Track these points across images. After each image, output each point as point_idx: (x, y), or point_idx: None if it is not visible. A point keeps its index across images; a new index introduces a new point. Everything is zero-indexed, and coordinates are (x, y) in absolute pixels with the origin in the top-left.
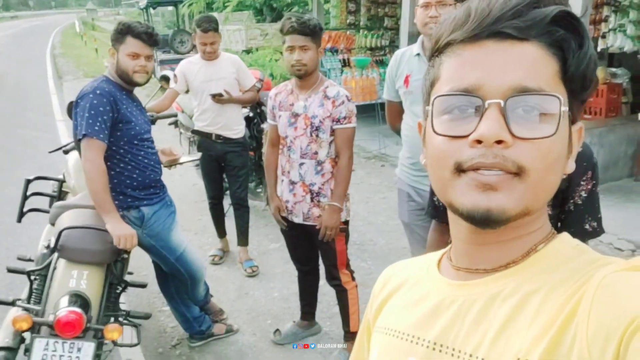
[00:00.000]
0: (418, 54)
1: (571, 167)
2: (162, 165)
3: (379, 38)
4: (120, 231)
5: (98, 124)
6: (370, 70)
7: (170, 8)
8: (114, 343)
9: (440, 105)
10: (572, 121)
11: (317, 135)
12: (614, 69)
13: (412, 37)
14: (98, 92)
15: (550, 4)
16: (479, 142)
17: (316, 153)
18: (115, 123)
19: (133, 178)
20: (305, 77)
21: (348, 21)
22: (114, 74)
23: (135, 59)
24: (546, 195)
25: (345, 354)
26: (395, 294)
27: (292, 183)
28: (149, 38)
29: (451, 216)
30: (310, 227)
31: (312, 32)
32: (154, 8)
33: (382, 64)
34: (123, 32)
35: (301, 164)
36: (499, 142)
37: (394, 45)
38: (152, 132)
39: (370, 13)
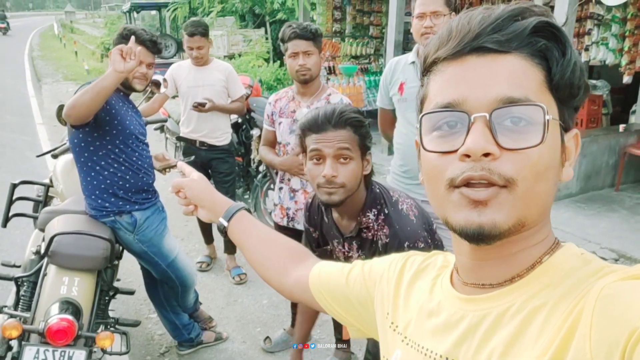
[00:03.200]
0: (413, 62)
1: (568, 174)
2: (155, 171)
3: (364, 46)
4: (116, 63)
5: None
6: (357, 78)
7: (154, 12)
8: (104, 351)
9: (428, 123)
10: (566, 129)
11: None
12: (594, 81)
13: (398, 46)
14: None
15: (531, 15)
16: (468, 156)
17: None
18: (110, 120)
19: (126, 179)
20: (309, 82)
21: (334, 29)
22: None
23: (137, 65)
24: (540, 205)
25: None
26: (407, 289)
27: (293, 191)
28: (153, 46)
29: (453, 234)
30: None
31: (313, 36)
32: (137, 12)
33: (367, 72)
34: (127, 37)
35: None
36: (487, 154)
37: (378, 54)
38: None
39: (356, 21)
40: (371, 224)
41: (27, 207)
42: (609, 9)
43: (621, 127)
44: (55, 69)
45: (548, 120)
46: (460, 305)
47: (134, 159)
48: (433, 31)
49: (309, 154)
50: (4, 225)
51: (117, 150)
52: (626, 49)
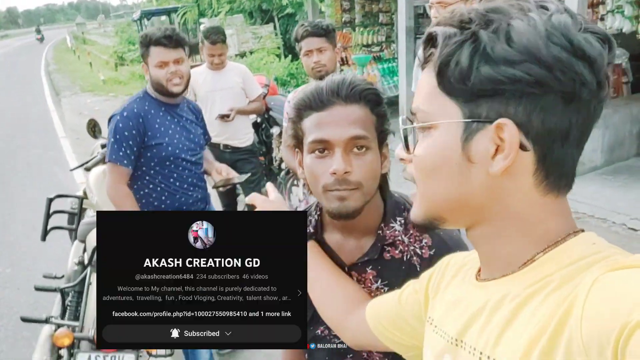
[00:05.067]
0: None
1: (496, 166)
2: (197, 190)
3: (375, 34)
4: None
5: (123, 149)
6: (371, 68)
7: (163, 17)
8: (149, 354)
9: None
10: (491, 121)
11: None
12: None
13: (410, 32)
14: (125, 114)
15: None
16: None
17: None
18: (145, 145)
19: (161, 200)
20: (326, 78)
21: (343, 19)
22: (151, 89)
23: (164, 67)
24: (442, 200)
25: None
26: (446, 285)
27: None
28: (170, 40)
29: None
30: None
31: (326, 32)
32: (147, 19)
33: (380, 60)
34: (145, 43)
35: None
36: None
37: (390, 41)
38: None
39: (365, 10)
40: (399, 238)
41: (62, 220)
42: None
43: None
44: (72, 82)
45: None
46: (473, 291)
47: (172, 180)
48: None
49: (309, 145)
50: (44, 239)
51: (152, 172)
52: None
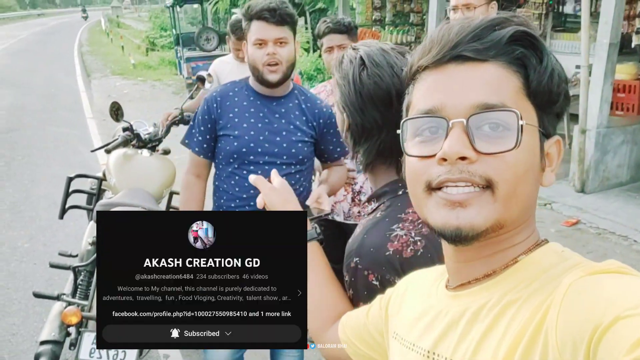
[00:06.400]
0: None
1: (549, 180)
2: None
3: (405, 34)
4: None
5: (198, 135)
6: None
7: (196, 5)
8: None
9: (411, 129)
10: (547, 135)
11: None
12: None
13: None
14: (207, 96)
15: (510, 25)
16: (445, 159)
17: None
18: (216, 134)
19: (216, 207)
20: None
21: (374, 17)
22: (251, 78)
23: (263, 46)
24: (520, 207)
25: None
26: (409, 301)
27: None
28: (274, 15)
29: (440, 238)
30: (350, 226)
31: (347, 29)
32: (180, 6)
33: None
34: (246, 16)
35: None
36: (463, 158)
37: (419, 41)
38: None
39: (396, 9)
40: (365, 214)
41: (81, 199)
42: None
43: None
44: (103, 64)
45: (522, 125)
46: (446, 302)
47: (232, 183)
48: None
49: None
50: (61, 217)
51: (220, 166)
52: None
